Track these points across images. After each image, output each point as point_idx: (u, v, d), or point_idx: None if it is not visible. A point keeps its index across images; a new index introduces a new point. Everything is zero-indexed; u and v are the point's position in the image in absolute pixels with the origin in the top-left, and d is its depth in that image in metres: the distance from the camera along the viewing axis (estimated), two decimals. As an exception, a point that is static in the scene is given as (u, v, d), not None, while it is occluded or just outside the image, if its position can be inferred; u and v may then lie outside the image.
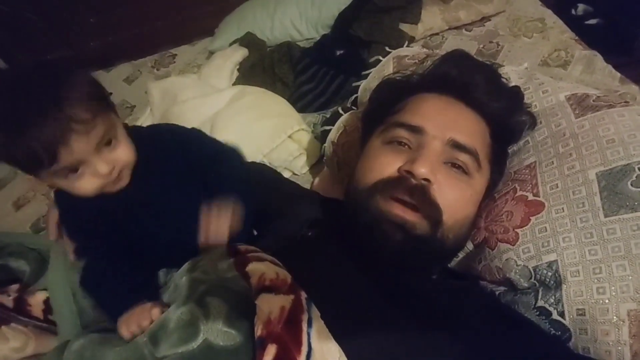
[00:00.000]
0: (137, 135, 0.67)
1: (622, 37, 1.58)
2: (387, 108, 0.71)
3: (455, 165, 0.62)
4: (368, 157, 0.67)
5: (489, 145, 0.66)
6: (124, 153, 0.61)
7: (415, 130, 0.63)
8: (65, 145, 0.53)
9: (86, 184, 0.59)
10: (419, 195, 0.58)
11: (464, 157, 0.62)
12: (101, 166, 0.57)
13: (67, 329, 0.65)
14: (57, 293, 0.68)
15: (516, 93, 0.72)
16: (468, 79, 0.68)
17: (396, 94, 0.73)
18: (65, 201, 0.64)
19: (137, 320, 0.55)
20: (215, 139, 0.77)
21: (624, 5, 1.60)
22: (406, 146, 0.63)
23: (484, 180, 0.65)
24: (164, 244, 0.67)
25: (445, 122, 0.63)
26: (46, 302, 0.70)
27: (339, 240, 0.65)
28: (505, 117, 0.69)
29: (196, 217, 0.64)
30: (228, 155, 0.74)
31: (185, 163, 0.69)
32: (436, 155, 0.61)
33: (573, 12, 1.75)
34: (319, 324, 0.46)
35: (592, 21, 1.71)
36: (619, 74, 1.11)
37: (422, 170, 0.58)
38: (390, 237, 0.58)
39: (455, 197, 0.60)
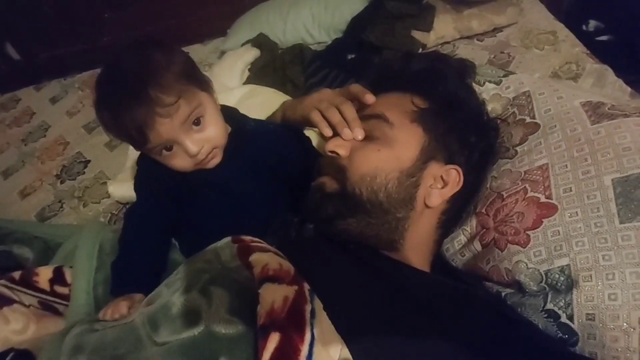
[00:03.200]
0: (242, 124, 0.72)
1: (633, 53, 1.59)
2: None
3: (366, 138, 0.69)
4: None
5: (412, 108, 0.70)
6: (212, 133, 0.62)
7: None
8: (151, 128, 0.56)
9: (179, 162, 0.62)
10: (326, 165, 0.70)
11: (369, 124, 0.69)
12: (190, 146, 0.59)
13: (80, 299, 0.66)
14: (81, 264, 0.70)
15: (435, 55, 0.81)
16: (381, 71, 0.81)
17: None
18: (150, 163, 0.67)
19: (119, 310, 0.57)
20: (313, 152, 0.84)
21: (635, 21, 1.60)
22: None
23: (404, 135, 0.67)
24: (225, 224, 0.69)
25: None
26: (55, 270, 0.69)
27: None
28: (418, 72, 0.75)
29: (262, 207, 0.72)
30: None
31: (273, 165, 0.73)
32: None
33: (584, 27, 1.75)
34: (322, 316, 0.46)
35: (603, 37, 1.71)
36: (629, 89, 1.11)
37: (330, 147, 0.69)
38: (312, 200, 0.68)
39: (357, 156, 0.67)
